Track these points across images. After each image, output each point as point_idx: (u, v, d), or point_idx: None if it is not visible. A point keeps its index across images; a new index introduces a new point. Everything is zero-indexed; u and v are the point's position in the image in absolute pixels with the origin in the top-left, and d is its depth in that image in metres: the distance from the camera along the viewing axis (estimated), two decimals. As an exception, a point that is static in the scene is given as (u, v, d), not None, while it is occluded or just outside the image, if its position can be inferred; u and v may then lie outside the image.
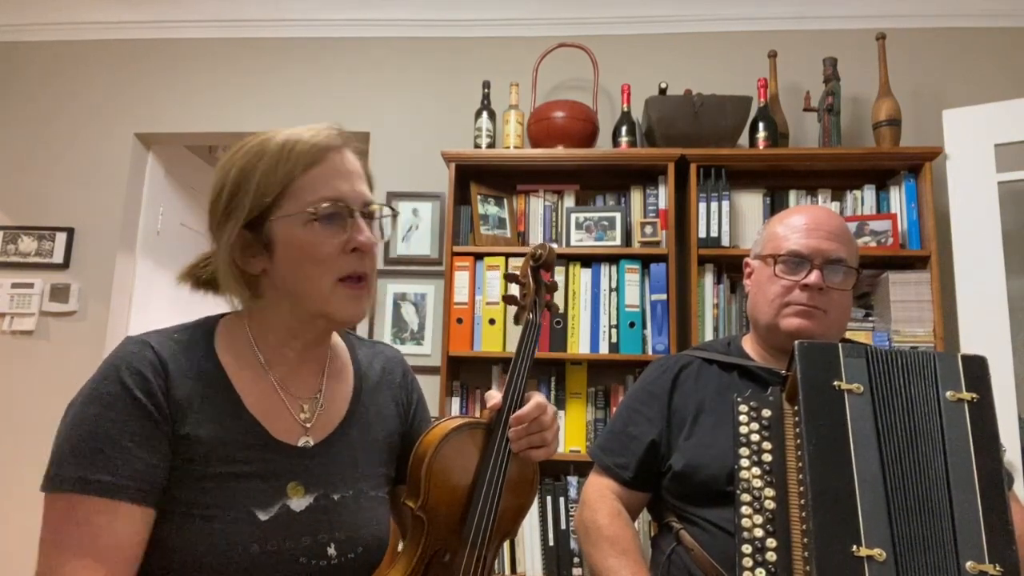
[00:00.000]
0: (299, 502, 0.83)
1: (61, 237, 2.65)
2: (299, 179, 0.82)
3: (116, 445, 0.75)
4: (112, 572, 0.73)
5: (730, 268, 2.28)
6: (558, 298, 2.28)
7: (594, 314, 2.27)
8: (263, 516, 0.79)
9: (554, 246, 1.07)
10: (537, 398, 0.94)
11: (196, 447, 0.79)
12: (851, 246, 1.26)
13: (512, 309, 1.09)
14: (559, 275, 2.30)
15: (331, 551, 0.83)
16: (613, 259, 2.29)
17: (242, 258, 0.84)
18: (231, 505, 0.78)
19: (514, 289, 1.10)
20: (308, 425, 0.88)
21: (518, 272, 1.09)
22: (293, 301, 0.85)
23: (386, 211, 0.90)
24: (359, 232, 0.83)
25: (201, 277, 0.91)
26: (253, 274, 0.86)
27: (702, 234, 2.24)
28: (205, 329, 0.88)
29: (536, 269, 1.07)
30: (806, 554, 0.88)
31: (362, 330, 2.49)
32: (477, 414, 0.97)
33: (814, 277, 1.21)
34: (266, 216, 0.82)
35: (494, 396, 0.96)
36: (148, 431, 0.77)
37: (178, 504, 0.77)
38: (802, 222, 1.26)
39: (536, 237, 2.39)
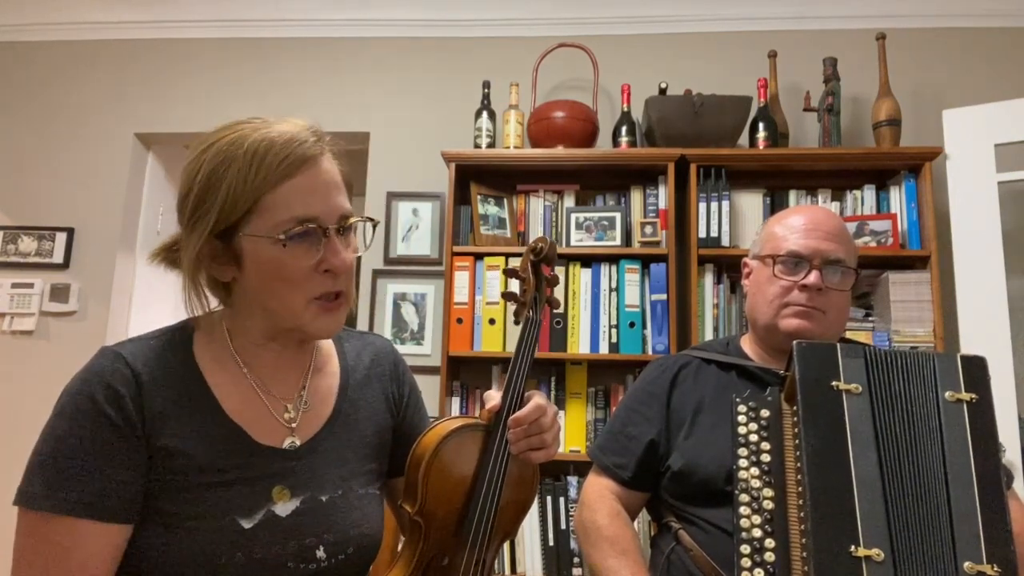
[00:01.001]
0: (284, 506, 0.81)
1: (61, 237, 2.65)
2: (268, 195, 0.77)
3: (83, 463, 0.74)
4: None
5: (730, 268, 2.28)
6: (558, 297, 2.28)
7: (594, 314, 2.27)
8: (247, 524, 0.78)
9: (555, 242, 1.05)
10: (537, 399, 0.92)
11: (175, 458, 0.77)
12: (850, 246, 1.26)
13: (512, 308, 1.07)
14: (559, 275, 2.29)
15: (320, 553, 0.82)
16: (613, 259, 2.29)
17: (211, 265, 0.81)
18: (213, 515, 0.77)
19: (514, 285, 1.07)
20: (293, 426, 0.86)
21: (518, 267, 1.06)
22: (266, 312, 0.83)
23: (366, 224, 0.86)
24: (333, 254, 0.79)
25: (176, 260, 0.86)
26: (224, 281, 0.83)
27: (702, 234, 2.24)
28: (185, 333, 0.85)
29: (537, 264, 1.04)
30: (804, 554, 0.88)
31: (362, 329, 2.49)
32: (477, 414, 0.95)
33: (813, 278, 1.21)
34: (234, 230, 0.78)
35: (493, 397, 0.94)
36: (118, 447, 0.75)
37: (160, 515, 0.76)
38: (801, 222, 1.26)
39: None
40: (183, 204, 0.81)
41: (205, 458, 0.78)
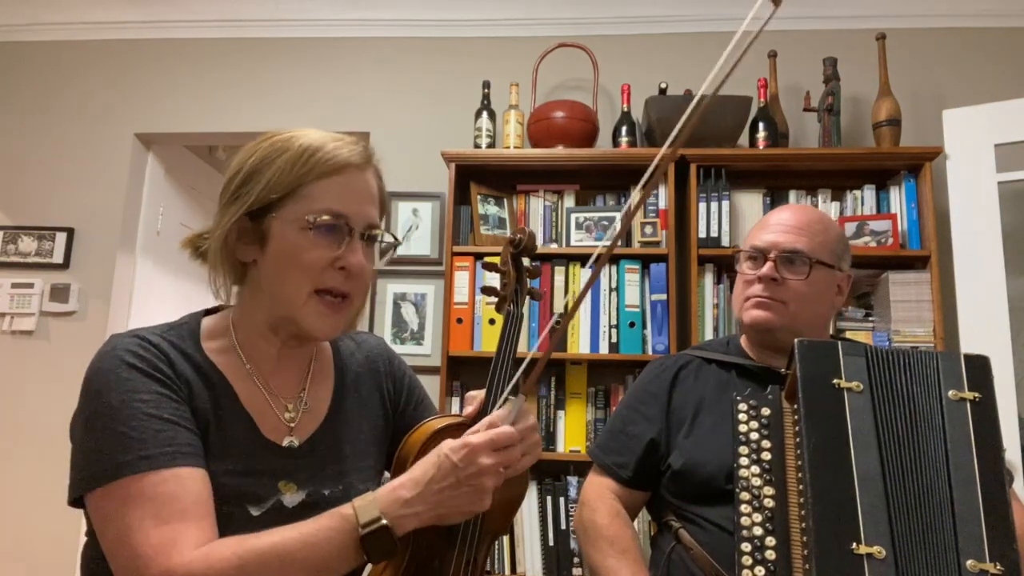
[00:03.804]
0: (292, 498, 0.83)
1: (61, 237, 2.65)
2: (309, 185, 0.82)
3: (155, 419, 0.75)
4: (200, 527, 0.73)
5: (730, 268, 2.28)
6: (558, 297, 2.28)
7: (594, 314, 2.27)
8: (256, 512, 0.80)
9: (534, 232, 1.02)
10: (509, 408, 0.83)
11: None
12: (818, 238, 1.25)
13: (493, 303, 1.03)
14: (559, 275, 2.30)
15: None
16: (613, 259, 2.29)
17: (236, 243, 0.85)
18: (225, 500, 0.78)
19: (494, 280, 1.06)
20: (292, 425, 0.88)
21: (497, 261, 1.03)
22: (271, 298, 0.85)
23: (388, 238, 0.91)
24: (352, 253, 0.83)
25: (200, 248, 0.91)
26: (243, 261, 0.86)
27: (702, 234, 2.24)
28: (190, 326, 0.87)
29: (516, 256, 1.01)
30: (805, 552, 0.87)
31: (362, 330, 2.49)
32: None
33: (766, 268, 1.23)
34: (268, 211, 0.83)
35: (476, 396, 0.91)
36: (175, 402, 0.78)
37: None
38: (773, 219, 1.29)
39: (536, 237, 2.39)
40: (229, 183, 0.85)
41: (221, 443, 0.80)
